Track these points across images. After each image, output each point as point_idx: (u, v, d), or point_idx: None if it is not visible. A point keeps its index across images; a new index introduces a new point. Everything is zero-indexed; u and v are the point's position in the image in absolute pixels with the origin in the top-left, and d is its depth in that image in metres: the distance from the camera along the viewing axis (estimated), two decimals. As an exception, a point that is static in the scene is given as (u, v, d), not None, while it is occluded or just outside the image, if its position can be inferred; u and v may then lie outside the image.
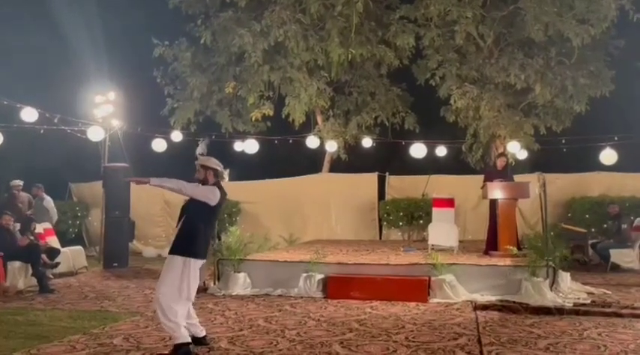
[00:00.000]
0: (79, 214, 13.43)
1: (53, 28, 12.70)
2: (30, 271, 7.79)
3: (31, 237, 8.47)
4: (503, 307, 6.21)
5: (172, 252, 4.64)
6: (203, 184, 4.80)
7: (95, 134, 11.04)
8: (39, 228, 9.27)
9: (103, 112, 11.25)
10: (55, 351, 4.48)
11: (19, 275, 7.71)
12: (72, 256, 9.62)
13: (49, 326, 5.42)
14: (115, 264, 10.24)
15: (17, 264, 7.71)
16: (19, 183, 10.38)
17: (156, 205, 13.50)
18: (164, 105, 13.45)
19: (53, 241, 9.65)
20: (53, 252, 8.77)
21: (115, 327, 5.37)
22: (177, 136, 13.10)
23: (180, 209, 4.91)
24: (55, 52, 12.94)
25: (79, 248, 10.30)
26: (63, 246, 9.83)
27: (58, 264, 8.63)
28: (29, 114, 10.38)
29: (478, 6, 11.59)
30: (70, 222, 13.07)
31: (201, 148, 5.25)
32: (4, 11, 12.62)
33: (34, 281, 7.75)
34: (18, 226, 8.47)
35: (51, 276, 8.31)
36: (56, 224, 10.77)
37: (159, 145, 12.91)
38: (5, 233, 8.01)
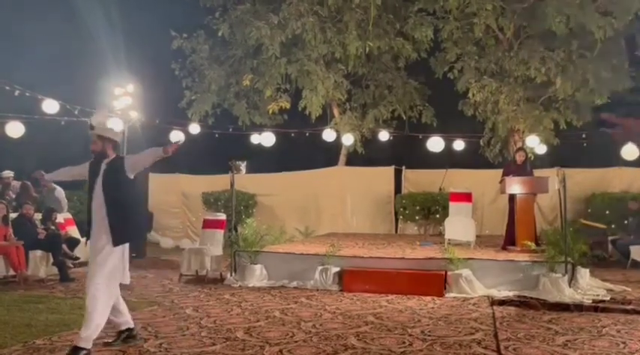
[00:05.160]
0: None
1: (73, 20, 12.84)
2: (51, 260, 7.94)
3: (52, 227, 8.62)
4: (520, 303, 6.16)
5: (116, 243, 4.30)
6: (100, 157, 4.38)
7: (114, 126, 11.15)
8: (60, 218, 9.42)
9: (122, 104, 11.36)
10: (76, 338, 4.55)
11: (40, 264, 7.87)
12: (91, 246, 9.75)
13: (70, 314, 5.52)
14: (134, 255, 10.33)
15: (38, 253, 7.87)
16: (10, 174, 10.47)
17: (173, 197, 13.66)
18: (182, 98, 13.54)
19: (73, 231, 9.81)
20: (73, 242, 8.92)
21: (133, 316, 5.39)
22: (194, 128, 13.19)
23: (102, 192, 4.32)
24: (75, 44, 13.09)
25: (98, 238, 10.44)
26: (82, 236, 9.97)
27: (78, 258, 8.79)
28: (50, 106, 10.54)
29: (498, -2, 11.43)
30: (89, 212, 13.26)
31: (97, 117, 4.98)
32: (25, 4, 12.79)
33: (54, 270, 7.90)
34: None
35: (71, 265, 8.45)
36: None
37: (177, 137, 13.00)
38: (27, 222, 8.17)
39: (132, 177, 4.41)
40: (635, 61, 11.47)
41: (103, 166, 4.37)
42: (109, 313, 4.28)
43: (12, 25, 12.78)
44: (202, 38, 13.33)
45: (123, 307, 4.51)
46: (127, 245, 4.43)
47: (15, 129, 10.19)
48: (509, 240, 8.21)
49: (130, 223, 4.43)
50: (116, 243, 4.28)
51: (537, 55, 11.35)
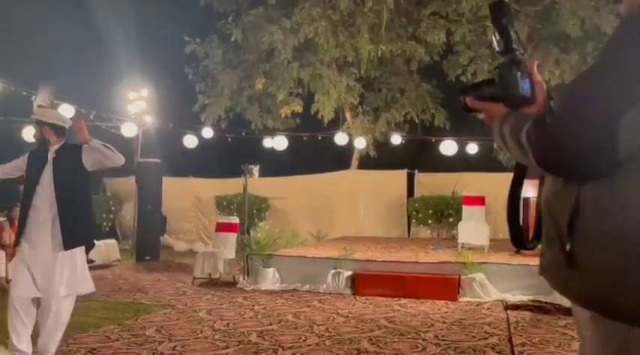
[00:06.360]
0: (112, 208, 13.76)
1: (88, 25, 13.01)
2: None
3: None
4: (535, 307, 6.10)
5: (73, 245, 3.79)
6: (43, 146, 3.87)
7: (129, 130, 11.28)
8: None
9: (136, 108, 11.49)
10: (91, 341, 4.61)
11: (56, 266, 7.94)
12: (106, 249, 9.87)
13: (85, 317, 5.55)
14: (147, 258, 10.46)
15: (54, 255, 7.94)
16: None
17: (187, 200, 13.74)
18: (195, 102, 13.64)
19: (88, 234, 9.92)
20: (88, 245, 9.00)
21: (147, 319, 5.49)
22: (207, 132, 13.28)
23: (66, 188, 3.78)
24: (90, 49, 13.26)
25: (112, 241, 10.56)
26: (97, 239, 10.08)
27: (92, 261, 8.88)
28: (66, 111, 10.66)
29: (511, 1, 11.36)
30: (103, 215, 13.41)
31: (40, 98, 4.39)
32: (40, 9, 12.98)
33: (70, 272, 7.97)
34: None
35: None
36: None
37: (190, 141, 13.12)
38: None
39: (89, 169, 3.86)
40: None
41: (51, 155, 3.80)
42: (14, 337, 3.69)
43: (28, 33, 12.98)
44: (215, 43, 13.40)
45: (28, 333, 3.74)
46: (83, 250, 3.91)
47: (32, 133, 10.33)
48: (524, 244, 8.14)
49: (85, 223, 3.94)
50: (68, 245, 3.69)
51: (551, 57, 11.26)
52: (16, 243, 3.83)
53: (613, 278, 1.09)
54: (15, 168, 3.96)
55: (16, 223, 7.70)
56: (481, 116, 1.40)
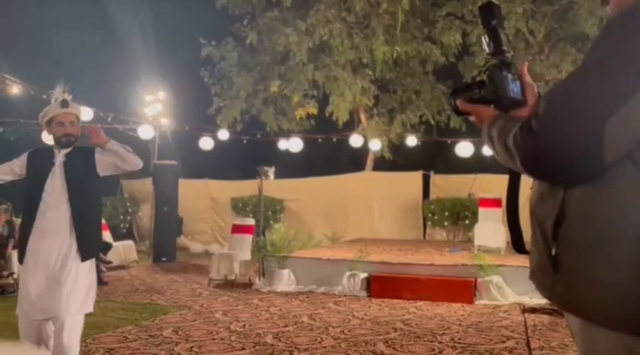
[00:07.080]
0: (129, 210, 13.91)
1: (105, 29, 13.19)
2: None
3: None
4: (553, 310, 6.02)
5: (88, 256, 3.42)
6: (65, 145, 3.49)
7: (145, 132, 11.40)
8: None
9: (153, 111, 11.60)
10: (109, 341, 4.67)
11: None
12: (123, 250, 9.99)
13: (103, 317, 5.63)
14: (164, 259, 10.55)
15: (73, 256, 8.04)
16: None
17: (203, 202, 13.84)
18: (211, 104, 13.74)
19: (106, 236, 10.03)
20: (106, 246, 9.11)
21: (164, 320, 5.54)
22: (223, 135, 13.37)
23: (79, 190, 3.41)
24: (107, 53, 13.44)
25: (130, 242, 10.69)
26: (115, 240, 10.21)
27: (110, 262, 9.00)
28: (85, 113, 10.80)
29: (528, 1, 11.27)
30: (121, 217, 13.57)
31: (60, 93, 3.58)
32: (58, 12, 13.18)
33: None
34: None
35: (104, 269, 8.64)
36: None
37: (206, 143, 13.22)
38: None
39: (102, 174, 3.52)
40: None
41: (60, 158, 3.43)
42: None
43: (47, 36, 13.19)
44: (231, 45, 13.48)
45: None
46: (93, 264, 3.52)
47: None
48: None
49: (99, 233, 3.72)
50: (86, 256, 3.35)
51: (569, 58, 11.13)
52: (20, 259, 3.40)
53: (597, 284, 1.07)
54: (8, 171, 3.48)
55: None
56: (472, 118, 1.37)
